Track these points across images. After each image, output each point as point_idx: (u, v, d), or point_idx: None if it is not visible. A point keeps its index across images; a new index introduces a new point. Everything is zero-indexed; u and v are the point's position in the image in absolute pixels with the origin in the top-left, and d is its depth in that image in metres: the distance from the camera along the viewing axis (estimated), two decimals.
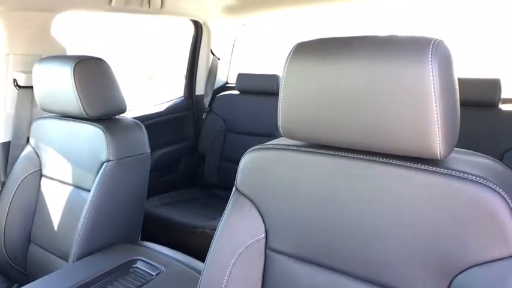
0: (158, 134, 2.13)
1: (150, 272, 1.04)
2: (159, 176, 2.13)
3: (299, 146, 0.74)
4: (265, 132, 2.09)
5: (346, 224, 0.68)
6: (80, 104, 1.18)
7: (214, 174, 2.25)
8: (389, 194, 0.63)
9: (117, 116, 1.31)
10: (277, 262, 0.75)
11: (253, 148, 0.80)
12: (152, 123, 2.10)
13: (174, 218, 1.80)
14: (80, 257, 1.14)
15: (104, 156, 1.17)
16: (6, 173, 1.50)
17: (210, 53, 2.36)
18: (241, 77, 2.22)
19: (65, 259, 1.23)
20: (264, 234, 0.77)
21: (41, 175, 1.39)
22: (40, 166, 1.39)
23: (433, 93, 0.56)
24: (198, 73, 2.36)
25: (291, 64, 0.70)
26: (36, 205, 1.38)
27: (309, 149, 0.72)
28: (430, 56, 0.57)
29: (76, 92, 1.18)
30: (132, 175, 1.23)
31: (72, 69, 1.17)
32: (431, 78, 0.56)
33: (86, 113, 1.19)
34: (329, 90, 0.65)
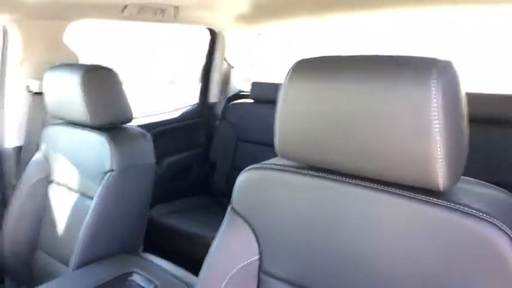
0: (170, 140, 2.13)
1: (145, 286, 1.03)
2: (169, 182, 2.14)
3: (296, 168, 0.71)
4: None
5: (340, 251, 0.65)
6: (87, 113, 1.19)
7: (224, 183, 2.23)
8: (387, 225, 0.60)
9: (123, 125, 1.31)
10: (271, 287, 0.73)
11: (250, 167, 0.78)
12: (164, 129, 2.11)
13: (179, 227, 1.80)
14: (79, 265, 1.14)
15: (107, 166, 1.17)
16: (17, 177, 1.53)
17: (225, 60, 2.36)
18: (256, 85, 2.21)
19: (68, 266, 1.24)
20: (258, 256, 0.75)
21: (50, 181, 1.41)
22: (49, 172, 1.41)
23: (436, 119, 0.53)
24: (212, 80, 2.36)
25: (290, 82, 0.68)
26: (44, 210, 1.39)
27: (306, 172, 0.69)
28: (433, 78, 0.53)
29: (83, 100, 1.18)
30: (136, 185, 1.23)
31: (81, 78, 1.18)
32: (434, 103, 0.53)
33: (92, 122, 1.20)
34: (327, 111, 0.63)
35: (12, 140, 1.55)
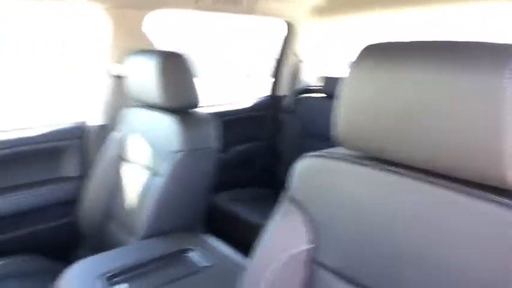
0: (238, 130, 2.18)
1: (200, 264, 1.07)
2: (233, 171, 2.19)
3: (357, 158, 0.69)
4: None
5: (396, 247, 0.61)
6: (162, 95, 1.26)
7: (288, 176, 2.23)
8: (450, 224, 0.55)
9: (193, 110, 1.36)
10: (321, 278, 0.71)
11: (309, 154, 0.76)
12: (233, 119, 2.16)
13: (241, 214, 1.83)
14: (144, 237, 1.22)
15: (176, 146, 1.23)
16: (97, 153, 1.68)
17: (295, 54, 2.34)
18: (329, 80, 2.17)
19: (129, 234, 1.33)
20: (310, 246, 0.73)
21: (123, 158, 1.51)
22: (123, 150, 1.52)
23: (510, 114, 0.48)
24: (282, 74, 2.36)
25: (356, 68, 0.65)
26: (117, 185, 1.51)
27: (367, 162, 0.66)
28: (508, 70, 0.48)
29: (159, 84, 1.26)
30: (200, 167, 1.28)
31: (158, 62, 1.25)
32: (509, 96, 0.48)
33: (165, 104, 1.26)
34: (394, 100, 0.59)
35: (96, 118, 1.69)
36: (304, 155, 0.76)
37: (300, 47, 2.33)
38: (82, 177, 1.71)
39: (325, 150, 0.75)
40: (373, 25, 2.28)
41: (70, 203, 1.64)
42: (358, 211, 0.66)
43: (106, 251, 1.44)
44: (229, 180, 2.10)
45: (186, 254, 1.12)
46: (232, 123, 2.12)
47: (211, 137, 1.32)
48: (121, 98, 1.64)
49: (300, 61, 2.37)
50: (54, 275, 1.45)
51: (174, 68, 1.29)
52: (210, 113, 1.42)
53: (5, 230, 1.53)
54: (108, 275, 0.96)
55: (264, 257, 0.77)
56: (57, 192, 1.65)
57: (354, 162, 0.68)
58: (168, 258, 1.09)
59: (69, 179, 1.70)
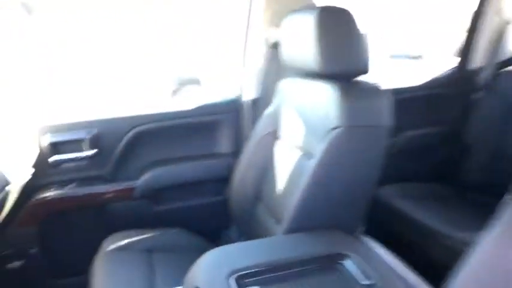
0: (411, 111, 1.78)
1: (358, 278, 0.80)
2: (403, 161, 1.81)
3: None
4: None
5: None
6: (319, 58, 1.02)
7: (478, 173, 1.72)
8: None
9: (357, 79, 1.08)
10: None
11: None
12: (404, 98, 1.77)
13: (413, 216, 1.46)
14: (290, 229, 1.01)
15: (333, 122, 0.98)
16: (251, 129, 1.56)
17: (499, 13, 1.77)
18: None
19: (280, 225, 1.15)
20: None
21: (276, 136, 1.35)
22: (277, 126, 1.35)
23: None
24: (477, 40, 1.82)
25: None
26: (268, 166, 1.35)
27: None
28: None
29: (316, 44, 1.02)
30: (363, 149, 0.99)
31: (316, 18, 1.02)
32: None
33: (324, 69, 1.02)
34: None
35: (250, 92, 1.58)
36: None
37: (507, 2, 1.75)
38: (235, 154, 1.64)
39: None
40: None
41: (223, 181, 1.58)
42: None
43: (253, 236, 1.31)
44: (397, 172, 1.73)
45: (340, 261, 0.86)
46: (404, 103, 1.73)
47: (383, 113, 1.01)
48: (277, 69, 1.46)
49: (507, 22, 1.79)
50: (201, 252, 1.40)
51: (337, 25, 1.03)
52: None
53: (161, 202, 1.57)
54: (240, 273, 0.79)
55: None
56: (212, 168, 1.61)
57: None
58: (316, 263, 0.85)
59: (223, 155, 1.64)
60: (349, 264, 0.84)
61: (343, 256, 0.86)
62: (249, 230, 1.41)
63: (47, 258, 1.46)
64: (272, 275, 0.79)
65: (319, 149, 0.98)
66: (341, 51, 1.02)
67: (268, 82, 1.50)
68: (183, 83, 3.89)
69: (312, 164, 1.04)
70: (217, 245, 1.62)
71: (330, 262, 0.84)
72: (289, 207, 1.05)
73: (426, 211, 1.51)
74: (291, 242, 0.93)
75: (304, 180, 1.01)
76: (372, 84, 1.07)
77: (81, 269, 1.34)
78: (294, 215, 1.02)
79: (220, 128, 1.63)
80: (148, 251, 1.33)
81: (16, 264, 1.43)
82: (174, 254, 1.34)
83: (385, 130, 1.01)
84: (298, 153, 1.17)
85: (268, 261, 0.83)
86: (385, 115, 1.02)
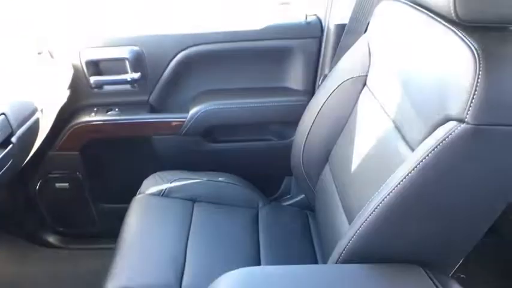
0: None
1: None
2: None
3: None
4: None
5: None
6: None
7: None
8: None
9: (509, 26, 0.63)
10: None
11: None
12: None
13: None
14: (360, 236, 0.70)
15: (453, 108, 0.58)
16: (332, 65, 1.19)
17: None
18: None
19: (348, 219, 0.86)
20: None
21: (365, 84, 0.98)
22: (367, 70, 0.97)
23: None
24: None
25: None
26: (346, 121, 1.01)
27: None
28: None
29: None
30: (499, 158, 0.60)
31: None
32: None
33: (455, 12, 0.59)
34: None
35: (338, 14, 1.16)
36: None
37: None
38: (307, 93, 1.30)
39: None
40: None
41: (288, 124, 1.28)
42: None
43: (313, 203, 1.06)
44: None
45: None
46: None
47: None
48: None
49: None
50: (249, 209, 1.20)
51: None
52: None
53: (212, 141, 1.34)
54: None
55: None
56: (277, 106, 1.30)
57: None
58: None
59: (292, 92, 1.32)
60: None
61: None
62: (310, 194, 1.14)
63: (90, 183, 1.37)
64: None
65: (427, 143, 0.61)
66: None
67: (364, 3, 1.06)
68: None
69: (406, 153, 0.70)
70: (272, 199, 1.42)
71: None
72: (363, 204, 0.73)
73: None
74: (351, 277, 0.63)
75: (397, 177, 0.66)
76: None
77: (124, 199, 1.23)
78: (370, 218, 0.70)
79: (292, 57, 1.27)
80: (191, 200, 1.15)
81: (64, 185, 1.37)
82: (219, 207, 1.15)
83: None
84: (389, 125, 0.81)
85: None
86: None
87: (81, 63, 1.23)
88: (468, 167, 0.59)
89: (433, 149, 0.59)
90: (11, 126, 0.87)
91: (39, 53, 1.12)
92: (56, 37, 1.19)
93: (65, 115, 1.26)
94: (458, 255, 0.72)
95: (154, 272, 0.92)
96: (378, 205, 0.65)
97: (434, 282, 0.62)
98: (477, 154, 0.58)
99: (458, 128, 0.56)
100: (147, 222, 1.07)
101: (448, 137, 0.57)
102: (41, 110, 1.03)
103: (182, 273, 0.93)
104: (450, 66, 0.62)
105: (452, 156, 0.58)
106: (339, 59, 1.07)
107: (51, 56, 1.18)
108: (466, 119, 0.56)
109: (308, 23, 1.23)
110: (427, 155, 0.59)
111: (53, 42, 1.18)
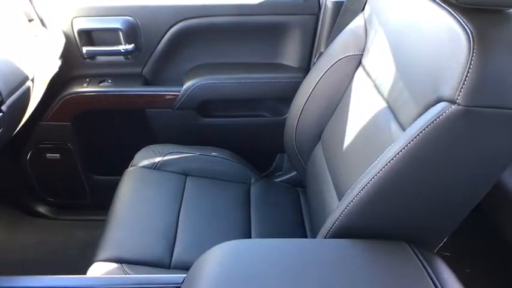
0: None
1: None
2: None
3: None
4: None
5: None
6: None
7: None
8: None
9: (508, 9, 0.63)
10: None
11: None
12: None
13: None
14: (351, 212, 0.71)
15: (445, 89, 0.59)
16: (327, 44, 1.18)
17: None
18: None
19: (338, 196, 0.87)
20: None
21: (360, 63, 0.98)
22: (363, 50, 0.97)
23: None
24: None
25: None
26: (340, 100, 1.02)
27: None
28: None
29: None
30: (490, 142, 0.61)
31: None
32: None
33: None
34: None
35: None
36: None
37: None
38: (302, 70, 1.30)
39: None
40: None
41: (283, 100, 1.28)
42: None
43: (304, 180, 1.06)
44: None
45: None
46: None
47: None
48: None
49: None
50: (241, 184, 1.20)
51: None
52: None
53: (206, 115, 1.33)
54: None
55: None
56: (271, 82, 1.29)
57: None
58: None
59: (287, 69, 1.31)
60: None
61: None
62: (302, 171, 1.15)
63: (82, 155, 1.37)
64: None
65: (418, 124, 0.62)
66: None
67: None
68: None
69: (398, 133, 0.70)
70: (265, 175, 1.43)
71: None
72: (353, 181, 0.74)
73: None
74: (339, 252, 0.65)
75: (387, 156, 0.67)
76: None
77: (115, 171, 1.23)
78: (355, 200, 0.71)
79: (289, 34, 1.26)
80: (184, 173, 1.16)
81: (55, 156, 1.36)
82: (211, 182, 1.16)
83: None
84: (383, 105, 0.81)
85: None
86: None
87: (73, 33, 1.20)
88: (457, 148, 0.60)
89: (424, 129, 0.60)
90: (1, 95, 0.86)
91: (30, 20, 1.09)
92: (48, 4, 1.16)
93: (57, 85, 1.24)
94: (444, 233, 0.75)
95: (145, 243, 0.93)
96: (368, 183, 0.66)
97: (418, 258, 0.64)
98: (467, 136, 0.59)
99: (449, 109, 0.57)
100: (138, 194, 1.07)
101: (438, 117, 0.58)
102: (32, 79, 1.01)
103: (173, 245, 0.95)
104: (444, 47, 0.62)
105: (442, 137, 0.59)
106: (335, 37, 1.06)
107: (43, 24, 1.15)
108: (457, 101, 0.56)
109: (306, 0, 1.21)
110: (418, 135, 0.60)
111: (45, 9, 1.15)
